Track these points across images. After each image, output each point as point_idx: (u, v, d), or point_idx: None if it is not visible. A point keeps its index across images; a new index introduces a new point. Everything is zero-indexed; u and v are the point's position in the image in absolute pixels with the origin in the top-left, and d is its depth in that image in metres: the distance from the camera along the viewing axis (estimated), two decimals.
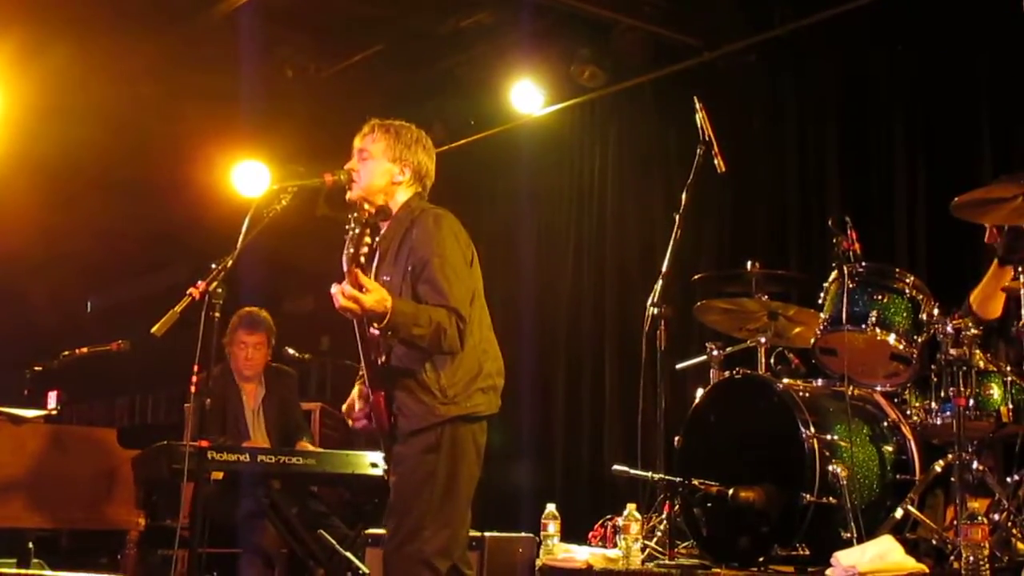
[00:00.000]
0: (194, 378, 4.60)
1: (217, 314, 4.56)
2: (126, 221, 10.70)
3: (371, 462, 6.34)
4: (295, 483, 6.66)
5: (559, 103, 9.29)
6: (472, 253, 4.58)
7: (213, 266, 4.55)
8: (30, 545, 6.66)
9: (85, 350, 7.39)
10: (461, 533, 4.55)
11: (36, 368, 7.47)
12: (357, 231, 4.17)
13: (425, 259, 4.42)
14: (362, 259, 4.15)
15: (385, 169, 4.62)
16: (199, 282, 4.48)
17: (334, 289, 4.18)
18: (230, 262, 4.56)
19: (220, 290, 4.52)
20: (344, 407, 4.75)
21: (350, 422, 4.71)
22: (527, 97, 9.20)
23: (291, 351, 7.38)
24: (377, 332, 4.36)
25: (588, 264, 9.15)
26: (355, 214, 4.23)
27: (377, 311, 4.20)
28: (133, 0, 8.36)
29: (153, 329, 4.42)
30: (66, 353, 7.38)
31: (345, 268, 4.18)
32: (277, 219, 4.70)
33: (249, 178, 9.80)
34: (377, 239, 4.67)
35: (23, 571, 5.39)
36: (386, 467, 4.71)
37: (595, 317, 8.97)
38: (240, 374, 7.07)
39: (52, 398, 7.49)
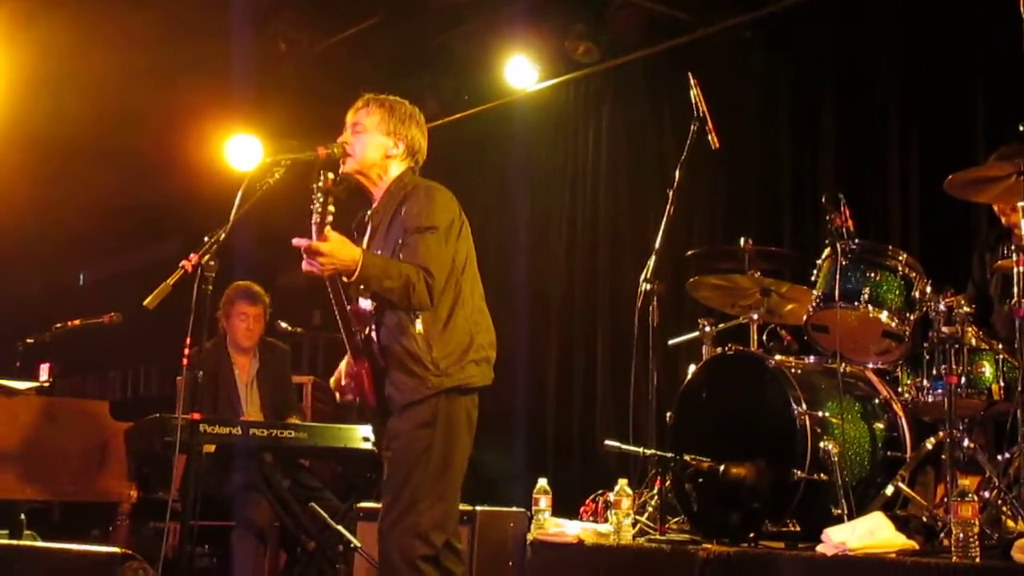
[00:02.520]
0: (186, 351, 4.59)
1: (210, 287, 4.56)
2: (118, 194, 10.67)
3: (363, 436, 6.35)
4: (287, 457, 6.67)
5: (553, 79, 9.28)
6: (463, 224, 4.60)
7: (206, 239, 4.54)
8: (22, 517, 6.67)
9: (77, 322, 7.41)
10: (455, 506, 4.58)
11: (28, 341, 7.47)
12: (321, 199, 4.19)
13: (410, 228, 4.44)
14: (327, 225, 4.17)
15: (379, 143, 4.64)
16: (192, 255, 4.47)
17: (296, 241, 4.20)
18: (223, 235, 4.55)
19: (213, 263, 4.51)
20: (331, 380, 4.76)
21: (338, 396, 4.73)
22: (521, 72, 9.19)
23: (284, 325, 7.38)
24: (356, 305, 4.39)
25: (581, 240, 9.15)
26: (318, 183, 4.24)
27: (344, 258, 4.23)
28: None
29: (145, 302, 4.41)
30: (58, 325, 7.39)
31: (313, 237, 4.20)
32: (270, 193, 4.70)
33: (242, 152, 9.79)
34: (369, 212, 4.68)
35: (16, 542, 5.39)
36: (376, 443, 4.73)
37: (587, 293, 8.98)
38: (238, 346, 7.08)
39: (44, 371, 7.47)
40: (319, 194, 4.20)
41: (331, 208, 4.20)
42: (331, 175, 4.29)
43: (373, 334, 4.53)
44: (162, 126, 9.63)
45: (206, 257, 4.50)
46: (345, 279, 4.33)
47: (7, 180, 9.50)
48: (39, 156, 9.69)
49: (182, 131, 9.77)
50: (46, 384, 7.26)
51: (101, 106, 9.21)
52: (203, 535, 7.18)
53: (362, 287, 4.39)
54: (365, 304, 4.50)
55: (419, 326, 4.42)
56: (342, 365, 4.72)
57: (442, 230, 4.48)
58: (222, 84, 9.15)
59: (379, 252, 4.49)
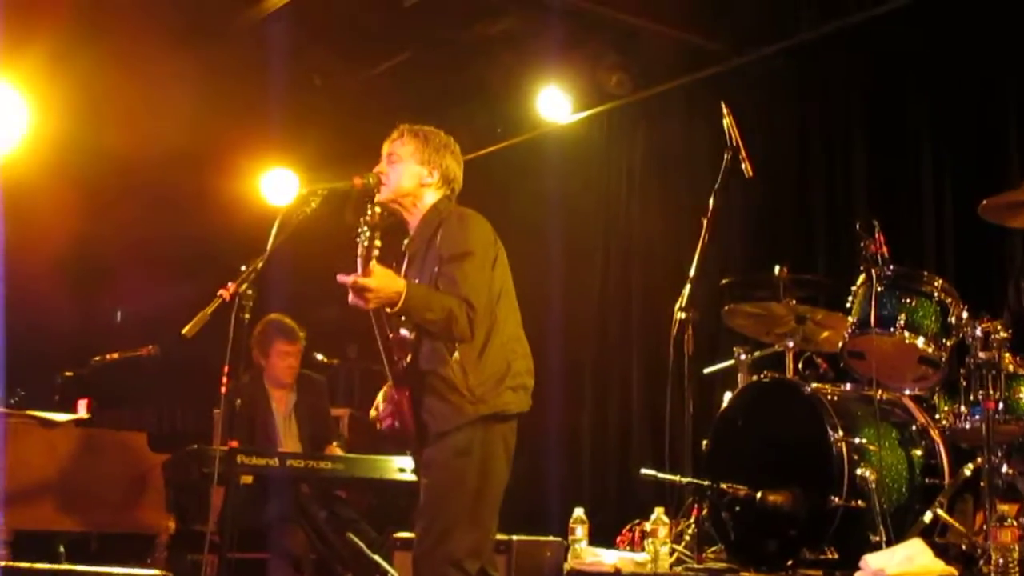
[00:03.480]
0: (224, 379, 4.62)
1: (247, 315, 4.59)
2: (155, 230, 10.72)
3: (399, 467, 6.36)
4: (323, 487, 6.68)
5: (586, 110, 9.31)
6: (498, 251, 4.62)
7: (243, 268, 4.58)
8: (61, 549, 6.69)
9: (116, 355, 7.45)
10: (490, 535, 4.57)
11: (67, 374, 7.52)
12: (368, 233, 4.22)
13: (446, 256, 4.46)
14: (374, 259, 4.19)
15: (414, 172, 4.67)
16: (229, 283, 4.51)
17: (341, 279, 4.22)
18: (260, 264, 4.59)
19: (250, 292, 4.54)
20: (372, 411, 4.78)
21: (377, 424, 4.74)
22: (554, 104, 9.22)
23: (320, 357, 7.42)
24: (397, 334, 4.41)
25: (615, 269, 9.15)
26: (365, 216, 4.27)
27: (389, 292, 4.24)
28: (162, 7, 8.41)
29: (184, 330, 4.44)
30: (97, 359, 7.44)
31: (359, 270, 4.23)
32: (305, 226, 4.73)
33: (278, 186, 9.85)
34: (405, 242, 4.71)
35: (59, 566, 5.41)
36: (415, 470, 4.74)
37: (622, 321, 8.97)
38: (277, 381, 7.12)
39: (82, 406, 7.50)
40: (365, 228, 4.22)
41: (377, 243, 4.22)
42: (378, 209, 4.32)
43: (405, 362, 4.55)
44: (198, 161, 9.69)
45: (243, 286, 4.53)
46: (388, 310, 4.35)
47: (46, 214, 9.56)
48: (78, 191, 9.75)
49: (218, 166, 9.84)
50: (85, 418, 7.29)
51: (139, 142, 9.27)
52: (240, 567, 7.19)
53: (403, 318, 4.41)
54: (406, 332, 4.52)
55: (456, 354, 4.44)
56: (381, 394, 4.74)
57: (479, 256, 4.50)
58: (258, 119, 9.22)
59: (416, 280, 4.52)
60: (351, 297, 4.30)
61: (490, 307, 4.50)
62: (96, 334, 11.41)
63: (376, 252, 4.20)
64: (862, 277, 5.68)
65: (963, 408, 5.38)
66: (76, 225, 10.03)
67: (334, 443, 7.10)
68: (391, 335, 4.52)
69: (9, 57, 8.41)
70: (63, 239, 10.03)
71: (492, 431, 4.47)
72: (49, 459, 6.39)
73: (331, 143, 9.46)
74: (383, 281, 4.25)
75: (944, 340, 5.49)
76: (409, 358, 4.52)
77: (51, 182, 9.37)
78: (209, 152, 9.63)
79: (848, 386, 5.80)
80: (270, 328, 7.09)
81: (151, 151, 9.36)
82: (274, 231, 4.68)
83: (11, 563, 4.30)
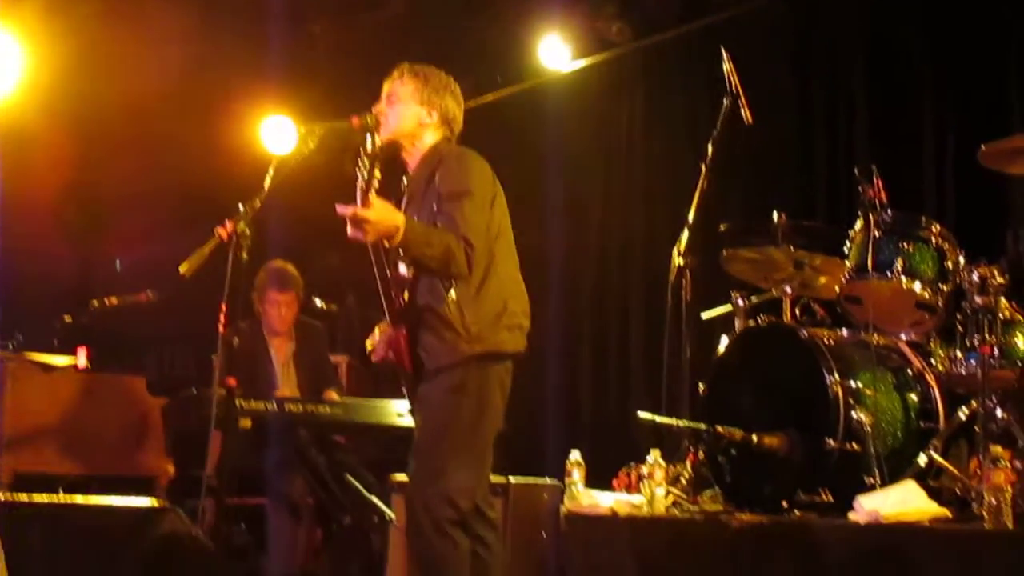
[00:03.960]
0: (221, 318, 4.63)
1: (245, 255, 4.60)
2: (153, 177, 10.70)
3: (397, 411, 6.38)
4: (322, 432, 6.70)
5: (586, 59, 9.28)
6: (496, 192, 4.63)
7: (241, 207, 4.59)
8: (60, 491, 6.73)
9: (115, 300, 7.46)
10: (484, 473, 4.60)
11: (66, 319, 7.53)
12: (367, 164, 4.21)
13: (444, 194, 4.47)
14: (373, 191, 4.19)
15: (413, 112, 4.68)
16: (227, 222, 4.51)
17: (341, 209, 4.22)
18: (258, 203, 4.60)
19: (248, 231, 4.56)
20: (368, 342, 4.79)
21: (372, 357, 4.75)
22: (554, 53, 9.19)
23: (318, 302, 7.42)
24: (396, 271, 4.41)
25: (614, 215, 9.13)
26: (364, 148, 4.26)
27: (387, 226, 4.24)
28: None
29: (181, 268, 4.46)
30: (96, 304, 7.45)
31: (359, 201, 4.22)
32: (304, 172, 4.74)
33: (277, 133, 9.81)
34: (404, 181, 4.71)
35: (59, 499, 5.43)
36: (411, 410, 4.76)
37: (621, 267, 8.97)
38: (271, 329, 7.13)
39: (82, 355, 7.53)
40: (365, 159, 4.22)
41: (377, 173, 4.21)
42: (378, 141, 4.31)
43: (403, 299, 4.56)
44: (196, 109, 9.65)
45: (241, 225, 4.54)
46: (386, 243, 4.35)
47: (44, 162, 9.54)
48: (75, 141, 9.74)
49: (216, 114, 9.79)
50: (84, 367, 7.32)
51: (135, 90, 9.25)
52: (239, 513, 7.24)
53: (402, 253, 4.41)
54: (404, 270, 4.53)
55: (452, 292, 4.45)
56: (377, 329, 4.75)
57: (477, 195, 4.51)
58: (256, 66, 9.18)
59: (415, 219, 4.52)
60: (350, 229, 4.30)
61: (488, 246, 4.51)
62: (95, 280, 11.43)
63: (376, 184, 4.19)
64: (860, 223, 5.67)
65: (959, 353, 5.39)
66: (74, 172, 10.03)
67: (332, 390, 7.12)
68: (390, 273, 4.53)
69: (4, 4, 8.38)
70: (61, 186, 10.04)
71: (487, 370, 4.49)
72: (48, 402, 6.44)
73: (329, 92, 9.43)
74: (382, 213, 4.25)
75: (941, 285, 5.50)
76: (407, 296, 4.53)
77: (48, 129, 9.35)
78: (207, 99, 9.58)
79: (845, 331, 5.81)
80: (265, 275, 7.10)
81: (149, 98, 9.34)
82: (271, 171, 4.69)
83: (10, 495, 4.33)
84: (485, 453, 4.56)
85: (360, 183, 4.21)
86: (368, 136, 4.28)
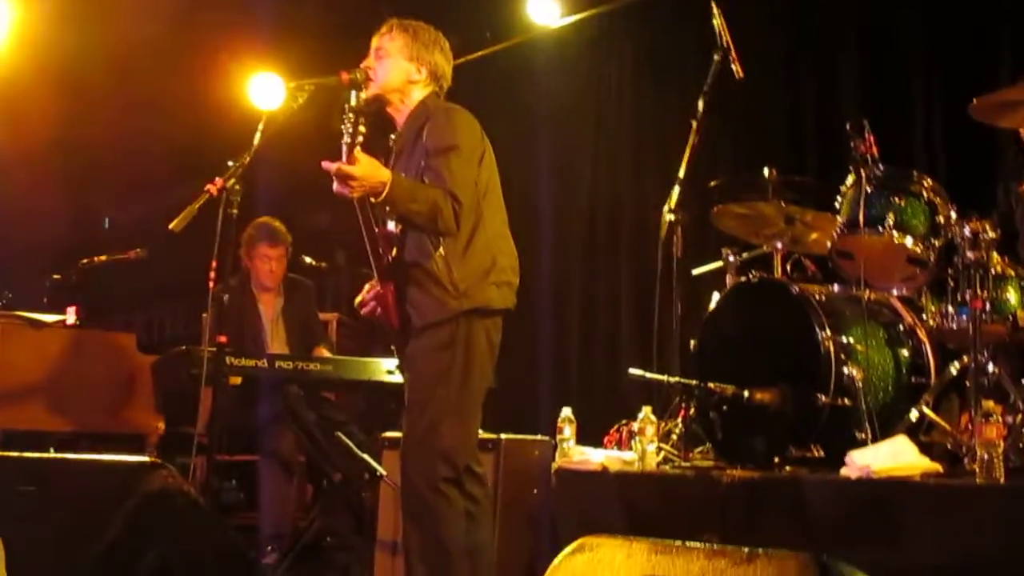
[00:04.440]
0: (212, 274, 4.62)
1: (235, 211, 4.59)
2: (142, 135, 10.67)
3: (387, 369, 6.38)
4: (313, 389, 6.70)
5: (576, 13, 9.23)
6: (485, 148, 4.61)
7: (230, 163, 4.56)
8: (51, 449, 6.74)
9: (104, 258, 7.43)
10: (475, 429, 4.60)
11: (55, 277, 7.51)
12: (352, 118, 4.18)
13: (432, 149, 4.44)
14: (358, 146, 4.16)
15: (402, 67, 4.65)
16: (217, 179, 4.49)
17: (326, 165, 4.19)
18: (248, 159, 4.58)
19: (238, 187, 4.54)
20: (357, 299, 4.77)
21: (360, 310, 4.74)
22: (544, 7, 9.14)
23: (308, 259, 7.40)
24: (384, 227, 4.39)
25: (604, 171, 9.12)
26: (349, 103, 4.23)
27: (373, 182, 4.21)
28: None
29: (171, 225, 4.44)
30: (84, 261, 7.43)
31: (344, 157, 4.19)
32: (293, 129, 4.71)
33: (265, 90, 9.76)
34: (393, 137, 4.69)
35: (48, 455, 5.45)
36: (399, 367, 4.75)
37: (611, 223, 8.96)
38: (261, 285, 7.11)
39: (71, 313, 7.51)
40: (350, 114, 4.19)
41: (362, 128, 4.19)
42: (364, 95, 4.29)
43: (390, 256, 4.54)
44: (185, 65, 9.61)
45: (231, 181, 4.52)
46: (372, 200, 4.33)
47: (30, 120, 9.50)
48: (62, 96, 9.69)
49: (204, 70, 9.75)
50: (74, 324, 7.30)
51: (124, 46, 9.20)
52: (230, 469, 7.25)
53: (388, 208, 4.39)
54: (392, 226, 4.51)
55: (440, 248, 4.43)
56: (367, 286, 4.73)
57: (465, 151, 4.48)
58: (244, 21, 9.13)
59: (403, 175, 4.50)
60: (335, 185, 4.28)
61: (476, 202, 4.50)
62: (84, 238, 11.40)
63: (360, 138, 4.17)
64: (851, 177, 5.65)
65: (950, 308, 5.39)
66: (62, 129, 9.98)
67: (322, 346, 7.12)
68: (377, 229, 4.51)
69: None
70: (49, 143, 9.99)
71: (475, 325, 4.48)
72: (38, 360, 6.44)
73: (318, 47, 9.37)
74: (367, 169, 4.23)
75: (932, 240, 5.48)
76: (395, 252, 4.51)
77: (36, 86, 9.30)
78: (195, 56, 9.53)
79: (836, 287, 5.80)
80: (255, 231, 7.08)
81: (137, 55, 9.29)
82: (260, 127, 4.67)
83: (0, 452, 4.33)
84: (476, 410, 4.55)
85: (345, 138, 4.18)
86: (353, 92, 4.25)
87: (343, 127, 4.19)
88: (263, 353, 6.59)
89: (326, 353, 6.92)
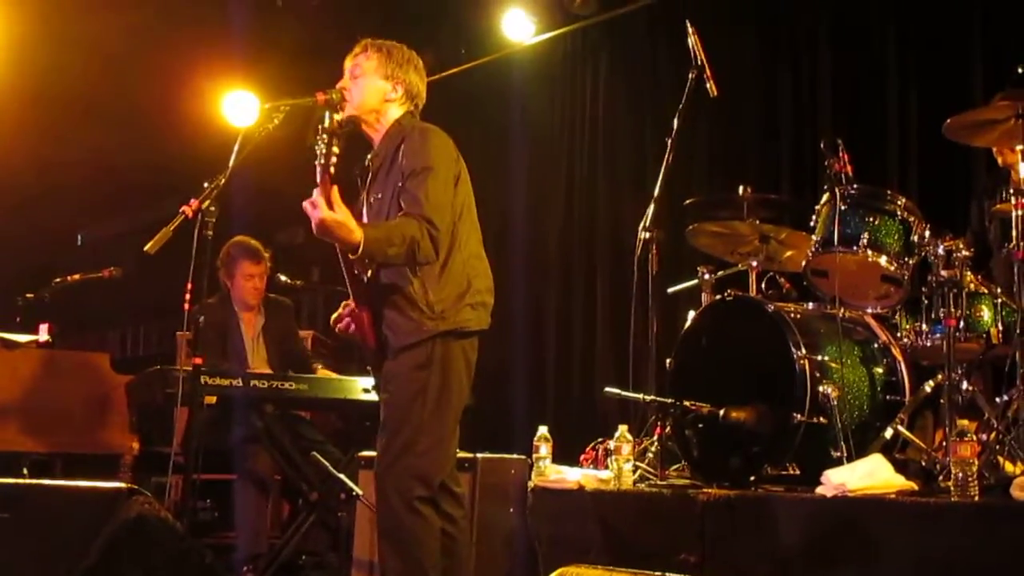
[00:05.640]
0: (187, 296, 4.60)
1: (210, 232, 4.57)
2: (116, 152, 10.66)
3: (363, 387, 6.37)
4: (288, 408, 6.68)
5: (551, 31, 9.26)
6: (460, 169, 4.60)
7: (206, 185, 4.55)
8: (25, 471, 6.70)
9: (77, 277, 7.40)
10: (451, 448, 4.59)
11: (28, 296, 7.47)
12: (325, 139, 4.17)
13: (408, 172, 4.44)
14: (332, 168, 4.15)
15: (377, 87, 4.65)
16: (192, 200, 4.48)
17: (306, 205, 4.18)
18: (223, 180, 4.57)
19: (213, 208, 4.53)
20: (332, 317, 4.76)
21: (337, 328, 4.72)
22: (518, 25, 9.17)
23: (283, 278, 7.38)
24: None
25: (579, 190, 9.15)
26: (322, 124, 4.22)
27: (347, 240, 4.21)
28: None
29: (146, 247, 4.42)
30: (58, 280, 7.39)
31: (318, 178, 4.18)
32: (268, 148, 4.70)
33: (239, 108, 9.77)
34: (369, 157, 4.68)
35: (24, 480, 5.42)
36: (375, 387, 4.74)
37: (586, 242, 8.98)
38: (243, 303, 7.09)
39: (43, 330, 7.48)
40: (323, 135, 4.17)
41: (335, 149, 4.17)
42: (337, 116, 4.28)
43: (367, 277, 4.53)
44: (159, 83, 9.61)
45: (206, 203, 4.51)
46: (350, 256, 4.31)
47: (4, 138, 9.48)
48: (36, 113, 9.68)
49: (179, 88, 9.75)
50: (46, 342, 7.27)
51: (98, 63, 9.19)
52: (205, 489, 7.22)
53: (367, 261, 4.38)
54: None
55: (417, 269, 4.43)
56: (343, 305, 4.73)
57: (441, 172, 4.48)
58: (219, 40, 9.13)
59: (379, 195, 4.51)
60: (314, 226, 4.25)
61: (451, 225, 4.49)
62: (57, 259, 11.37)
63: (335, 159, 4.15)
64: (826, 196, 5.67)
65: (924, 326, 5.41)
66: (34, 147, 9.95)
67: (319, 365, 7.11)
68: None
69: None
70: (21, 161, 9.96)
71: (452, 345, 4.48)
72: (11, 380, 6.40)
73: (293, 64, 9.37)
74: (343, 219, 4.18)
75: (907, 258, 5.51)
76: (370, 274, 4.50)
77: (8, 104, 9.28)
78: (169, 74, 9.54)
79: (811, 305, 5.82)
80: (235, 250, 7.05)
81: (110, 73, 9.28)
82: (236, 148, 4.66)
83: None
84: (452, 429, 4.55)
85: (319, 159, 4.17)
86: (327, 112, 4.25)
87: (317, 148, 4.17)
88: (239, 372, 6.56)
89: (330, 373, 6.90)
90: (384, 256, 4.34)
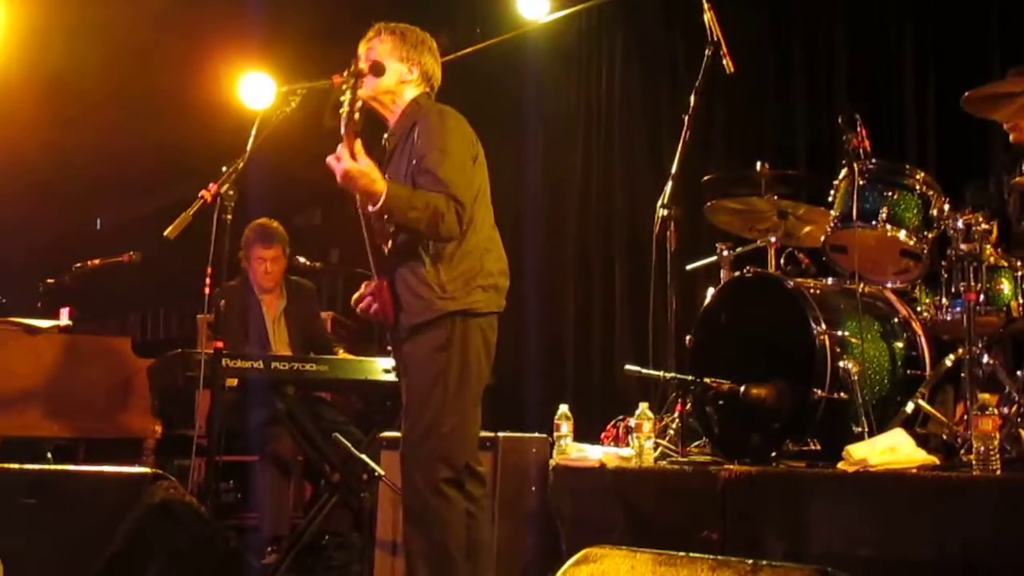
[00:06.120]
0: (208, 280, 4.62)
1: (229, 216, 4.58)
2: (133, 137, 10.69)
3: (383, 368, 6.37)
4: (309, 389, 6.70)
5: (566, 8, 9.23)
6: (478, 151, 4.61)
7: (224, 169, 4.57)
8: (48, 455, 6.74)
9: (97, 262, 7.42)
10: (474, 429, 4.60)
11: (49, 282, 7.50)
12: (349, 95, 4.19)
13: (425, 152, 4.44)
14: (356, 120, 4.17)
15: (393, 69, 4.65)
16: (211, 184, 4.49)
17: (330, 159, 4.20)
18: (241, 164, 4.58)
19: (232, 192, 4.54)
20: (354, 296, 4.77)
21: (357, 308, 4.73)
22: (533, 3, 9.15)
23: (302, 259, 7.39)
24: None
25: (597, 168, 9.12)
26: (345, 83, 4.24)
27: (370, 190, 4.23)
28: None
29: (166, 232, 4.44)
30: (78, 265, 7.42)
31: (342, 131, 4.20)
32: (285, 131, 4.71)
33: (256, 90, 9.77)
34: (385, 137, 4.69)
35: (50, 466, 5.45)
36: (395, 369, 4.75)
37: (605, 220, 8.96)
38: (260, 286, 7.11)
39: (64, 315, 7.51)
40: (348, 91, 4.23)
41: (359, 104, 4.22)
42: (360, 91, 4.31)
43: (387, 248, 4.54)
44: (176, 67, 9.62)
45: (225, 187, 4.52)
46: (370, 208, 4.33)
47: (22, 124, 9.51)
48: (53, 100, 9.70)
49: (195, 71, 9.76)
50: (68, 326, 7.30)
51: (115, 48, 9.20)
52: (227, 470, 7.26)
53: (386, 218, 4.39)
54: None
55: (430, 248, 4.44)
56: (364, 285, 4.74)
57: (456, 153, 4.48)
58: (234, 23, 9.13)
59: (394, 174, 4.51)
60: (339, 176, 4.28)
61: (471, 205, 4.50)
62: (77, 244, 11.41)
63: (358, 113, 4.18)
64: (844, 171, 5.66)
65: (944, 300, 5.41)
66: (52, 135, 9.98)
67: (340, 348, 7.12)
68: (375, 223, 4.51)
69: None
70: (40, 148, 9.99)
71: (471, 325, 4.49)
72: (33, 365, 6.43)
73: (308, 46, 9.38)
74: (367, 169, 4.23)
75: (926, 233, 5.49)
76: (391, 244, 4.51)
77: (26, 92, 9.31)
78: (185, 58, 9.55)
79: (830, 280, 5.80)
80: (251, 233, 7.08)
81: (126, 58, 9.29)
82: (254, 132, 4.67)
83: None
84: (474, 409, 4.56)
85: (343, 115, 4.18)
86: (353, 84, 4.27)
87: (341, 110, 4.19)
88: (260, 354, 6.58)
89: (344, 354, 6.91)
90: (404, 217, 4.35)
